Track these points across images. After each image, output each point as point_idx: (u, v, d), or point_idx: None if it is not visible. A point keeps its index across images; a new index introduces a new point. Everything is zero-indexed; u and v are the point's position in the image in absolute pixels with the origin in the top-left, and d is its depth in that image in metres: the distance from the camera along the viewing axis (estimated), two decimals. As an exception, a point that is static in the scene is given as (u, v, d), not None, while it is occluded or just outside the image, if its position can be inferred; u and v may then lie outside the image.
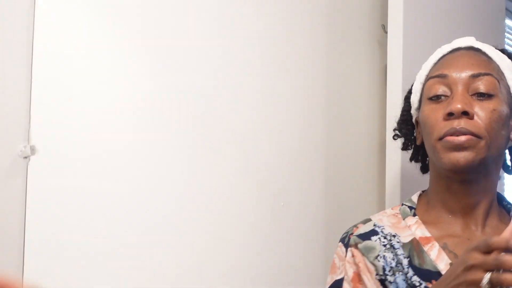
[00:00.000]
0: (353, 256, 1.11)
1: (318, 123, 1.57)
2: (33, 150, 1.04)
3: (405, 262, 1.07)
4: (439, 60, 1.15)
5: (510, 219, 1.08)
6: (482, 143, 1.04)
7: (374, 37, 1.75)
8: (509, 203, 1.15)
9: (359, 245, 1.11)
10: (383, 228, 1.12)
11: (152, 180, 1.21)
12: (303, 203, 1.52)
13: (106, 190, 1.14)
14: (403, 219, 1.13)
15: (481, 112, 1.05)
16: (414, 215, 1.13)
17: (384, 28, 1.69)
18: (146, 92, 1.20)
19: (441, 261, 1.05)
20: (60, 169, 1.08)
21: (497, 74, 1.09)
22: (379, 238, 1.11)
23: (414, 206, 1.15)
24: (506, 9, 2.34)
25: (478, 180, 1.08)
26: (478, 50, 1.12)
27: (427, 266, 1.06)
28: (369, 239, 1.11)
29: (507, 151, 1.19)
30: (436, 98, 1.09)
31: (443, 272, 1.02)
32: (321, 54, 1.59)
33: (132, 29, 1.19)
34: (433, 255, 1.06)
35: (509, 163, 1.21)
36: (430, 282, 1.05)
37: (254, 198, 1.39)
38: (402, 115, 1.24)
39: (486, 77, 1.06)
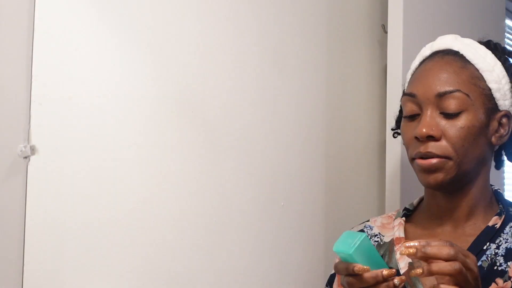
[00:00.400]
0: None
1: (318, 123, 1.57)
2: (33, 150, 1.04)
3: None
4: (417, 67, 1.15)
5: (491, 218, 1.11)
6: (451, 163, 1.05)
7: (374, 37, 1.75)
8: (503, 203, 1.16)
9: None
10: (371, 229, 1.19)
11: (153, 180, 1.21)
12: (303, 203, 1.52)
13: (106, 190, 1.14)
14: (394, 220, 1.18)
15: (449, 130, 1.05)
16: (403, 216, 1.18)
17: (384, 28, 1.69)
18: (147, 91, 1.20)
19: (402, 261, 1.11)
20: (60, 169, 1.08)
21: (469, 83, 1.07)
22: None
23: (411, 208, 1.21)
24: (506, 9, 2.35)
25: (456, 190, 1.11)
26: (455, 53, 1.11)
27: (391, 265, 1.12)
28: None
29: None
30: (409, 117, 1.11)
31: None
32: (321, 54, 1.59)
33: (132, 29, 1.19)
34: (398, 255, 1.11)
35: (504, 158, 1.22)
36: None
37: (254, 198, 1.39)
38: (400, 111, 1.25)
39: (453, 94, 1.06)
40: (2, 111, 1.03)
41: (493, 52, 1.12)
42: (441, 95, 1.06)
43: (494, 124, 1.10)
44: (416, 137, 1.07)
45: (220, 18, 1.34)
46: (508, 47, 1.20)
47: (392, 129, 1.28)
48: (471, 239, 1.09)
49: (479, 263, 1.04)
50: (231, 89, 1.36)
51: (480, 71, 1.09)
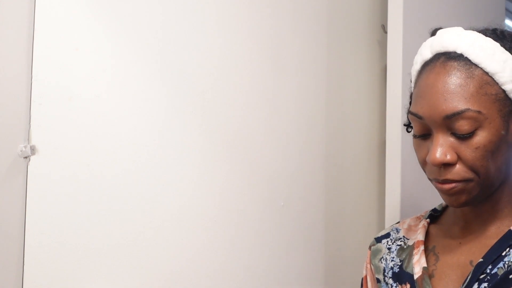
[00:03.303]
0: (368, 256, 1.18)
1: (318, 123, 1.57)
2: (33, 150, 1.04)
3: (390, 264, 1.11)
4: (419, 73, 1.05)
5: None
6: (471, 184, 0.98)
7: (374, 37, 1.75)
8: None
9: (372, 247, 1.17)
10: (397, 232, 1.16)
11: (152, 180, 1.21)
12: (303, 203, 1.52)
13: (106, 190, 1.14)
14: (420, 222, 1.15)
15: (464, 153, 0.97)
16: (429, 217, 1.14)
17: (384, 28, 1.69)
18: (147, 91, 1.20)
19: (417, 265, 1.07)
20: (60, 169, 1.08)
21: (478, 94, 0.96)
22: (387, 241, 1.16)
23: (439, 209, 1.15)
24: (506, 9, 2.35)
25: (482, 200, 1.05)
26: (459, 57, 0.99)
27: (408, 269, 1.08)
28: (380, 241, 1.17)
29: None
30: (419, 136, 1.03)
31: (416, 276, 1.05)
32: (321, 54, 1.59)
33: (133, 29, 1.19)
34: (415, 259, 1.08)
35: None
36: (405, 284, 1.06)
37: (254, 198, 1.39)
38: (410, 102, 1.18)
39: (462, 115, 0.96)
40: (2, 111, 1.03)
41: (501, 43, 1.00)
42: (450, 117, 0.96)
43: None
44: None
45: (219, 18, 1.34)
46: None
47: (405, 125, 1.17)
48: (491, 243, 1.02)
49: (495, 270, 0.98)
50: (230, 89, 1.36)
51: (490, 74, 0.97)
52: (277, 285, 1.44)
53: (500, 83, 0.97)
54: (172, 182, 1.24)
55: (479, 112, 0.96)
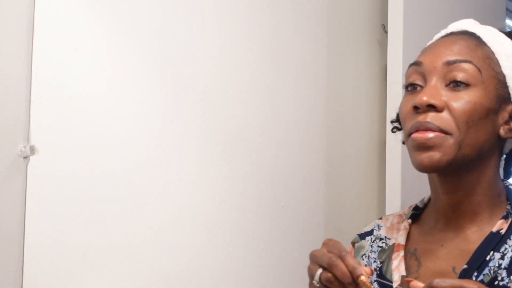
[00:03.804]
0: (351, 253, 1.13)
1: (318, 123, 1.57)
2: (33, 150, 1.04)
3: (373, 266, 1.07)
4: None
5: (497, 222, 0.98)
6: (450, 141, 0.93)
7: (374, 37, 1.75)
8: None
9: (356, 244, 1.13)
10: (379, 229, 1.12)
11: (152, 180, 1.21)
12: (303, 203, 1.52)
13: (106, 190, 1.14)
14: (403, 221, 1.11)
15: (455, 103, 0.94)
16: (411, 217, 1.10)
17: (384, 28, 1.69)
18: (146, 92, 1.20)
19: (396, 272, 1.02)
20: (60, 169, 1.08)
21: (483, 61, 0.97)
22: (370, 238, 1.11)
23: (421, 206, 1.10)
24: (506, 9, 2.35)
25: (458, 177, 0.98)
26: (471, 34, 1.00)
27: (387, 274, 1.03)
28: (364, 239, 1.12)
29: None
30: (411, 88, 1.00)
31: (394, 284, 0.99)
32: (321, 54, 1.59)
33: (133, 29, 1.19)
34: (394, 264, 1.03)
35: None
36: None
37: (254, 198, 1.39)
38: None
39: (463, 64, 0.95)
40: (2, 111, 1.03)
41: None
42: (450, 63, 0.95)
43: (505, 115, 0.98)
44: (415, 107, 0.95)
45: (219, 18, 1.34)
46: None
47: (392, 121, 1.14)
48: (473, 247, 0.96)
49: (481, 277, 0.93)
50: (230, 89, 1.36)
51: (496, 55, 0.97)
52: (277, 285, 1.44)
53: (503, 66, 0.98)
54: (172, 182, 1.24)
55: (479, 70, 0.96)
